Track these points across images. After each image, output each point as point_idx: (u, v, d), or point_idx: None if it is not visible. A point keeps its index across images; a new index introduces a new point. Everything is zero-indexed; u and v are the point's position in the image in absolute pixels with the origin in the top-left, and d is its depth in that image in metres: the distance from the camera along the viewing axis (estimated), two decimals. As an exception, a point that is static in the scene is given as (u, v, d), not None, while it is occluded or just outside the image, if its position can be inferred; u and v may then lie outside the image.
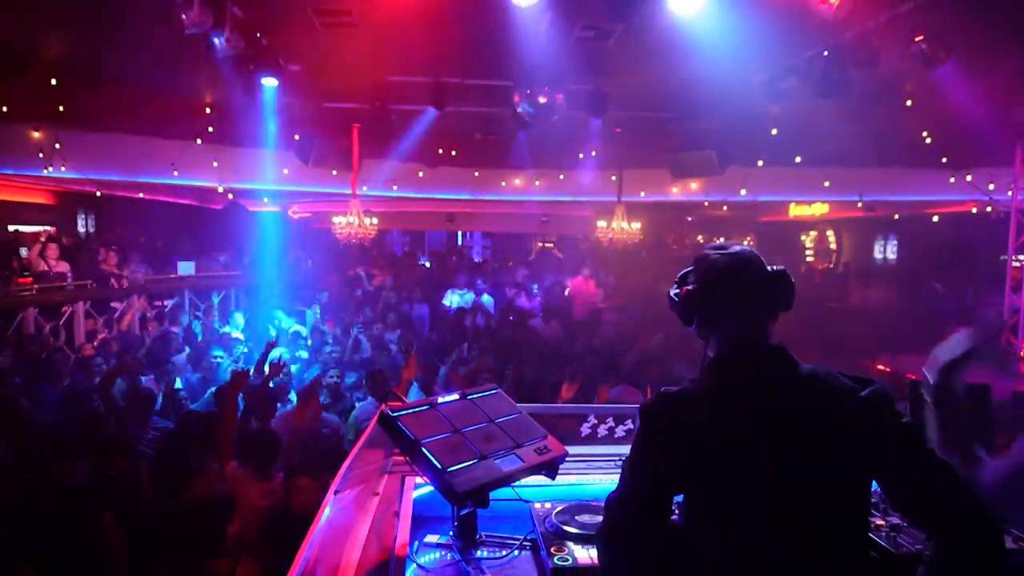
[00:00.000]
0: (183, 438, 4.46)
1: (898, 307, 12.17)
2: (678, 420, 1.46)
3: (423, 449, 1.87)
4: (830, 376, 1.49)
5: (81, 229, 13.94)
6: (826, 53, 6.75)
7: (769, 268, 1.60)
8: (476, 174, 13.49)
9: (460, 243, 20.98)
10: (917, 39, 5.85)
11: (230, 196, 14.15)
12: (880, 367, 8.86)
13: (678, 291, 1.65)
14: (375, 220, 11.66)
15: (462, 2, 6.00)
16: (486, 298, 11.21)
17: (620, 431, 2.77)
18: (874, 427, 1.43)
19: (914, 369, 8.49)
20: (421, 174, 12.88)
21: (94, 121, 9.87)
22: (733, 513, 1.42)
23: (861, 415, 1.43)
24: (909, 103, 8.79)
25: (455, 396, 2.16)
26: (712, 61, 6.70)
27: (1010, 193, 9.49)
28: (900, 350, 10.15)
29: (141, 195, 13.05)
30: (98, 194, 12.46)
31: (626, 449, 1.58)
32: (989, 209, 11.21)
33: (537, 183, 13.62)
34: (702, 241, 17.58)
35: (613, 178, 12.77)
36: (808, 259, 18.64)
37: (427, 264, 16.20)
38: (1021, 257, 9.35)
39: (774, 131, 10.38)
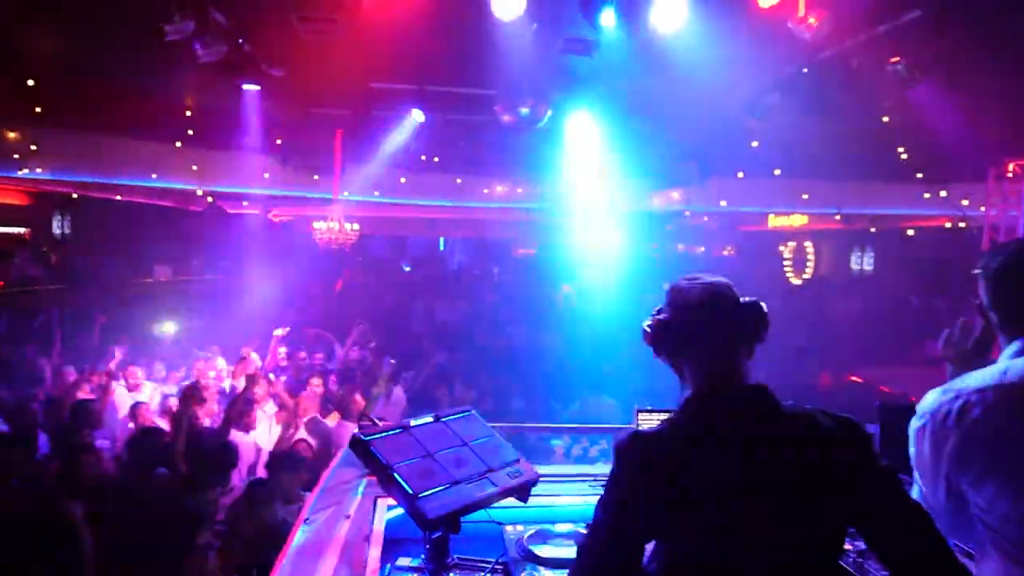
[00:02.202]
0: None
1: (874, 319, 12.36)
2: (651, 463, 1.42)
3: (395, 474, 1.86)
4: (810, 417, 1.46)
5: (57, 231, 13.74)
6: (805, 70, 6.86)
7: (741, 300, 1.57)
8: (459, 181, 13.50)
9: (442, 249, 20.96)
10: (893, 60, 5.96)
11: (209, 199, 14.03)
12: (854, 379, 8.98)
13: (650, 322, 1.62)
14: (356, 226, 11.62)
15: (446, 13, 6.00)
16: None
17: (594, 451, 2.78)
18: (852, 468, 1.42)
19: (887, 382, 8.58)
20: (404, 180, 12.86)
21: (71, 122, 9.75)
22: (706, 559, 1.40)
23: (839, 457, 1.42)
24: (886, 120, 8.96)
25: (429, 419, 2.15)
26: (694, 75, 6.77)
27: (983, 209, 9.66)
28: (874, 362, 10.32)
29: (118, 197, 12.90)
30: (74, 196, 12.30)
31: (600, 470, 1.57)
32: (963, 225, 11.43)
33: (519, 191, 13.67)
34: (682, 250, 17.72)
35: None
36: (786, 269, 18.85)
37: (407, 269, 16.16)
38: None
39: (755, 144, 10.52)
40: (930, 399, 1.62)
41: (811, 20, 5.07)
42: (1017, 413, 1.49)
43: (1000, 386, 1.52)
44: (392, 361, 6.81)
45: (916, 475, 1.67)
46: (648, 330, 1.62)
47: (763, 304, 1.57)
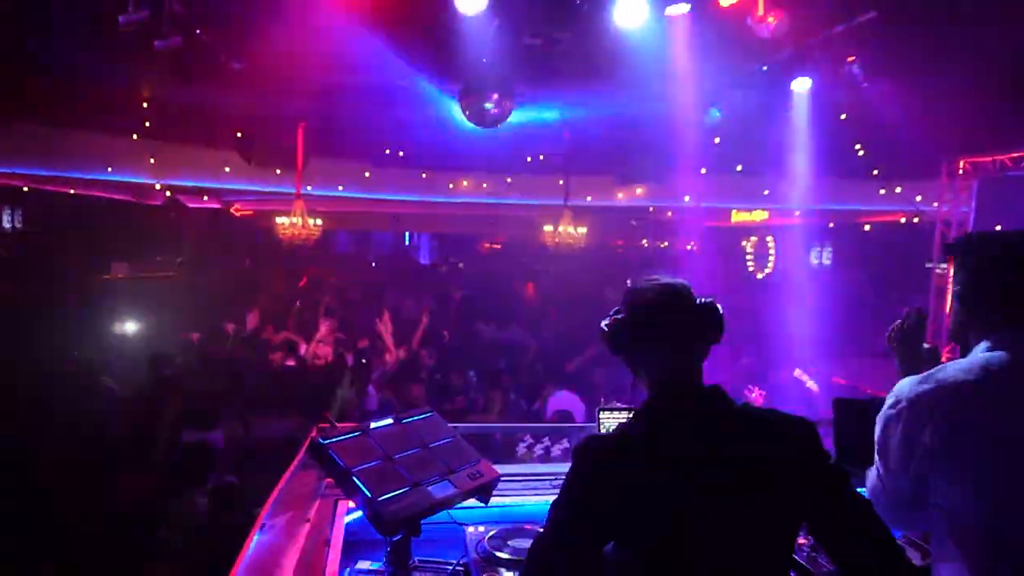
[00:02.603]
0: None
1: (831, 313, 12.62)
2: (606, 465, 1.44)
3: (353, 478, 1.85)
4: (762, 417, 1.49)
5: (7, 225, 13.29)
6: (765, 68, 6.96)
7: (698, 300, 1.59)
8: (424, 175, 13.41)
9: (407, 244, 20.82)
10: (850, 59, 6.09)
11: (168, 193, 13.70)
12: (812, 370, 9.17)
13: (608, 321, 1.64)
14: (319, 221, 11.46)
15: (407, 5, 5.94)
16: None
17: (556, 450, 2.79)
18: (804, 468, 1.45)
19: (841, 374, 8.79)
20: (368, 174, 12.72)
21: (21, 113, 9.40)
22: (660, 560, 1.41)
23: (791, 457, 1.45)
24: (843, 117, 9.16)
25: (389, 421, 2.14)
26: (657, 71, 6.83)
27: (936, 205, 9.95)
28: (832, 354, 10.56)
29: (72, 191, 12.50)
30: (25, 189, 11.90)
31: (561, 469, 1.57)
32: (916, 220, 11.75)
33: (484, 185, 13.63)
34: (646, 245, 17.88)
35: (560, 182, 12.88)
36: (749, 264, 19.15)
37: (373, 264, 16.00)
38: (943, 266, 9.81)
39: (716, 140, 10.65)
40: (906, 386, 1.61)
41: (770, 19, 5.15)
42: (998, 407, 1.50)
43: (981, 380, 1.52)
44: (364, 361, 6.76)
45: (877, 460, 1.68)
46: (605, 329, 1.64)
47: (719, 306, 1.59)
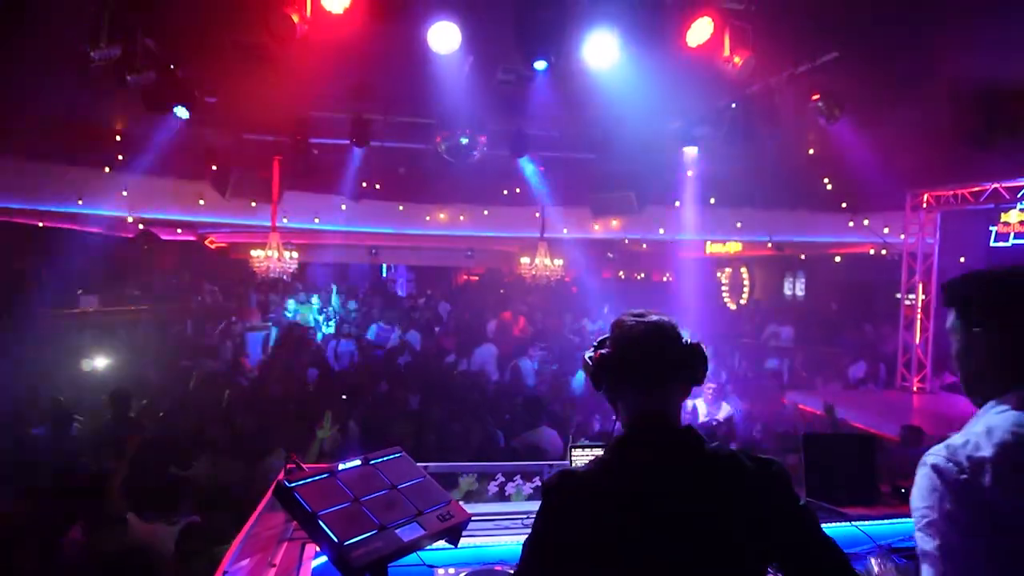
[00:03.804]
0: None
1: (805, 343, 12.81)
2: (576, 502, 1.44)
3: (320, 522, 1.81)
4: (732, 458, 1.49)
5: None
6: (734, 105, 7.13)
7: (684, 340, 1.58)
8: (400, 208, 13.44)
9: (384, 276, 20.74)
10: (814, 97, 6.27)
11: (140, 226, 13.56)
12: (785, 402, 9.26)
13: (592, 354, 1.63)
14: (295, 254, 11.41)
15: (383, 44, 6.01)
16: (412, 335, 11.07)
17: (527, 488, 2.77)
18: (773, 510, 1.45)
19: (816, 404, 8.84)
20: (344, 207, 12.72)
21: (-9, 146, 9.29)
22: None
23: (760, 498, 1.45)
24: (811, 152, 9.39)
25: (357, 462, 2.11)
26: (629, 107, 6.97)
27: (902, 237, 10.18)
28: (806, 384, 10.69)
29: (41, 224, 12.32)
30: (-7, 221, 11.69)
31: (532, 507, 1.56)
32: (884, 251, 12.01)
33: (462, 218, 13.69)
34: (622, 277, 18.02)
35: (537, 215, 12.98)
36: (723, 295, 19.40)
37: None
38: (911, 296, 10.00)
39: (689, 173, 10.85)
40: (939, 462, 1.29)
41: (736, 60, 5.29)
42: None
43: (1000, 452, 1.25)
44: (344, 396, 6.68)
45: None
46: (589, 362, 1.63)
47: (704, 347, 1.60)
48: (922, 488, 1.30)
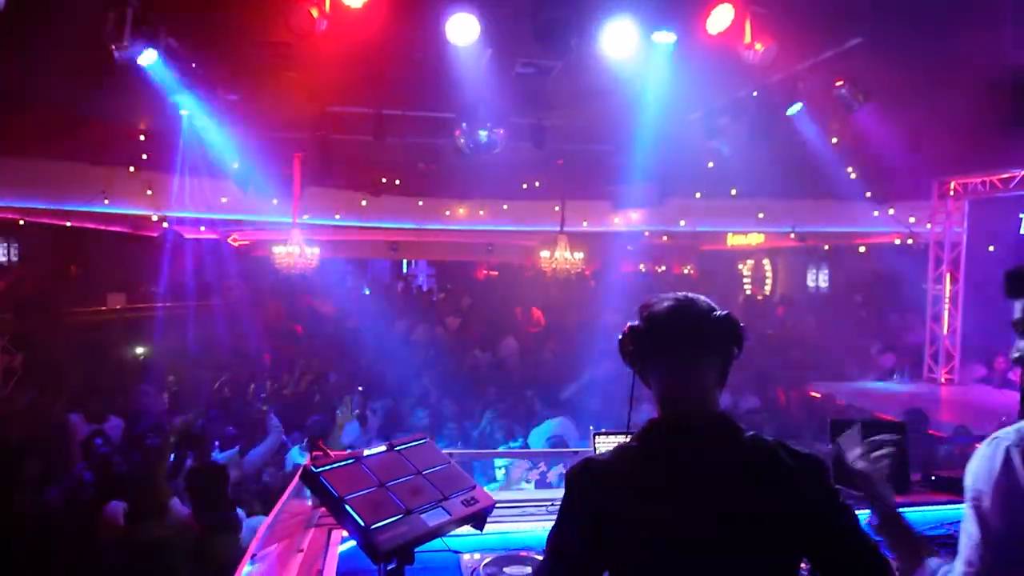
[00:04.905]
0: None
1: (830, 334, 12.63)
2: (601, 491, 1.40)
3: (346, 506, 1.82)
4: (770, 450, 1.41)
5: (3, 258, 13.30)
6: (755, 94, 7.05)
7: (716, 312, 1.51)
8: (420, 203, 13.48)
9: (405, 271, 20.84)
10: (838, 84, 6.17)
11: (164, 224, 13.74)
12: (813, 393, 9.15)
13: (624, 331, 1.59)
14: (316, 250, 11.49)
15: (402, 39, 6.02)
16: None
17: (552, 476, 2.77)
18: (810, 506, 1.38)
19: (843, 394, 8.72)
20: (364, 203, 12.79)
21: (17, 147, 9.45)
22: None
23: (798, 494, 1.38)
24: (835, 140, 9.24)
25: (382, 448, 2.12)
26: (649, 98, 6.91)
27: (929, 226, 10.00)
28: (832, 376, 10.55)
29: (68, 224, 12.53)
30: (21, 222, 11.92)
31: (557, 495, 1.54)
32: (910, 241, 11.79)
33: (481, 212, 13.70)
34: (643, 270, 17.91)
35: (556, 208, 12.94)
36: (746, 287, 19.20)
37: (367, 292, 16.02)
38: (939, 287, 9.83)
39: (710, 164, 10.74)
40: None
41: (757, 47, 5.22)
42: None
43: None
44: (360, 388, 6.75)
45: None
46: (621, 338, 1.59)
47: (737, 319, 1.51)
48: (989, 469, 1.29)
